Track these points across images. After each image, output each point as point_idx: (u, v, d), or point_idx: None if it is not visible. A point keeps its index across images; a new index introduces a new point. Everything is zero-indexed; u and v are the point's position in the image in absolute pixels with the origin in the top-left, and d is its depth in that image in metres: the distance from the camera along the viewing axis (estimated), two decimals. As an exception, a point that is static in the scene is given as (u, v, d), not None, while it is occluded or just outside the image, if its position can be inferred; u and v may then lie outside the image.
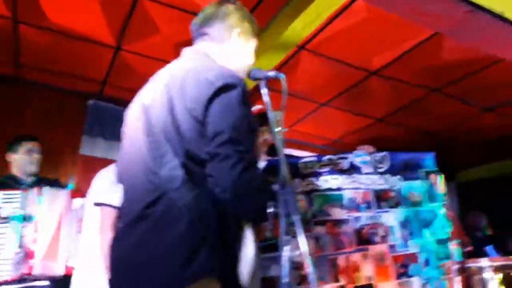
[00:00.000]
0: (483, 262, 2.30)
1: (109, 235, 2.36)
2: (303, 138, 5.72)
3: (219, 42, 1.64)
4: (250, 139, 1.38)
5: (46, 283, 2.61)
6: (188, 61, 1.56)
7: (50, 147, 4.16)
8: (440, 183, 3.27)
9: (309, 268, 1.23)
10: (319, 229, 2.70)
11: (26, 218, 2.62)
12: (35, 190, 2.71)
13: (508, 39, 2.72)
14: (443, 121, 5.18)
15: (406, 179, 3.11)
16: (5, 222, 2.61)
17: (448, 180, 6.77)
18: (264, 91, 1.60)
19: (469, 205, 5.85)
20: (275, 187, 1.79)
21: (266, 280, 2.40)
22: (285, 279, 1.26)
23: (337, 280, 2.62)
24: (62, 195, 2.78)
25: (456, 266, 2.27)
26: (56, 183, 3.08)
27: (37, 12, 3.20)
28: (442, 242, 3.01)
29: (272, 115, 1.52)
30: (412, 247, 2.90)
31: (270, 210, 1.75)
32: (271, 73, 1.63)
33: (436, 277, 2.86)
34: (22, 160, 3.02)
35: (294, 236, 1.31)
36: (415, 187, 3.14)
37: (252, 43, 1.72)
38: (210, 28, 1.65)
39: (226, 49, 1.64)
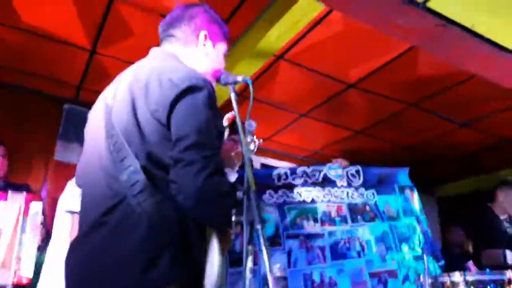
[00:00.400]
0: (456, 276, 2.28)
1: None
2: (283, 149, 5.70)
3: (185, 44, 1.59)
4: (216, 144, 1.33)
5: None
6: (154, 61, 1.51)
7: (22, 151, 4.07)
8: (415, 198, 3.24)
9: (269, 282, 1.16)
10: (292, 243, 2.65)
11: None
12: None
13: (478, 53, 2.74)
14: (421, 135, 5.21)
15: (380, 193, 3.08)
16: None
17: (427, 194, 6.84)
18: (233, 96, 1.53)
19: (449, 220, 5.87)
20: (239, 194, 1.73)
21: None
22: None
23: None
24: (19, 199, 2.63)
25: (430, 281, 2.25)
26: (24, 189, 2.90)
27: (8, 10, 3.11)
28: (420, 257, 2.98)
29: (239, 121, 1.47)
30: (390, 263, 2.85)
31: (233, 218, 1.70)
32: (239, 78, 1.58)
33: None
34: None
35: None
36: (390, 202, 3.11)
37: (221, 46, 1.68)
38: (177, 30, 1.61)
39: (193, 51, 1.59)
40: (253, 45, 3.21)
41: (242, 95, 4.02)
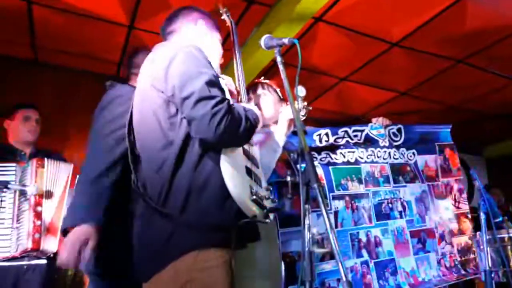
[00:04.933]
0: (516, 232, 2.23)
1: None
2: (324, 116, 5.61)
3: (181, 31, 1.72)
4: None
5: (44, 261, 2.53)
6: None
7: (69, 128, 4.22)
8: (454, 157, 3.18)
9: (332, 241, 1.14)
10: (338, 204, 2.65)
11: (24, 192, 2.48)
12: (34, 161, 2.56)
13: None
14: (469, 93, 4.99)
15: (420, 152, 3.05)
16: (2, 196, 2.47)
17: (475, 154, 6.59)
18: (279, 59, 1.54)
19: (499, 180, 5.68)
20: (293, 156, 1.73)
21: (287, 256, 2.37)
22: (308, 248, 1.20)
23: (360, 255, 2.59)
24: (66, 168, 2.67)
25: (487, 237, 2.20)
26: (54, 155, 2.83)
27: (48, -9, 3.18)
28: (456, 217, 2.97)
29: (287, 85, 1.45)
30: (428, 223, 2.85)
31: (287, 179, 1.72)
32: (285, 40, 1.57)
33: (450, 252, 2.81)
34: (18, 128, 2.77)
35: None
36: (430, 161, 3.07)
37: (216, 34, 1.75)
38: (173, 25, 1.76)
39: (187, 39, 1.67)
40: (292, 7, 3.12)
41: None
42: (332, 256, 2.49)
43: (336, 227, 2.60)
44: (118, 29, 3.71)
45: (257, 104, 2.09)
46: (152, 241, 1.34)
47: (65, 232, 1.53)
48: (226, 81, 1.63)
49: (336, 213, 2.62)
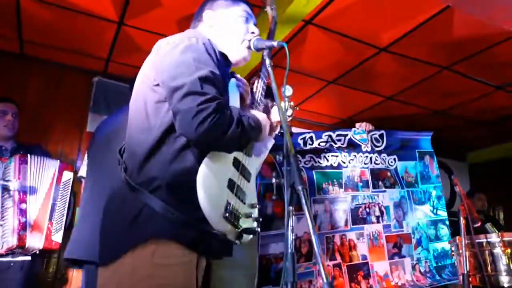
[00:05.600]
0: (494, 237, 2.27)
1: None
2: (312, 118, 5.65)
3: (196, 26, 1.67)
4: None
5: (28, 258, 2.53)
6: None
7: (56, 123, 4.19)
8: (433, 165, 3.23)
9: (313, 242, 1.14)
10: (318, 207, 2.67)
11: (8, 188, 2.47)
12: (17, 158, 2.53)
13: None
14: (454, 99, 5.05)
15: (400, 159, 3.09)
16: None
17: (459, 160, 6.67)
18: (267, 61, 1.55)
19: (481, 186, 5.75)
20: (279, 158, 1.73)
21: (263, 258, 2.37)
22: (290, 250, 1.19)
23: (333, 258, 2.61)
24: (52, 165, 2.66)
25: (466, 242, 2.24)
26: (37, 149, 2.83)
27: (38, -15, 3.14)
28: (434, 223, 3.02)
29: (275, 87, 1.46)
30: (405, 228, 2.89)
31: (272, 181, 1.71)
32: (274, 43, 1.57)
33: (426, 258, 2.86)
34: None
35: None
36: (410, 168, 3.12)
37: (228, 12, 1.65)
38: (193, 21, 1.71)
39: (207, 28, 1.64)
40: (282, 10, 3.14)
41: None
42: (305, 259, 2.50)
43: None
44: (107, 25, 3.68)
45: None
46: (118, 221, 1.30)
47: None
48: (237, 82, 1.60)
49: (315, 217, 2.64)
